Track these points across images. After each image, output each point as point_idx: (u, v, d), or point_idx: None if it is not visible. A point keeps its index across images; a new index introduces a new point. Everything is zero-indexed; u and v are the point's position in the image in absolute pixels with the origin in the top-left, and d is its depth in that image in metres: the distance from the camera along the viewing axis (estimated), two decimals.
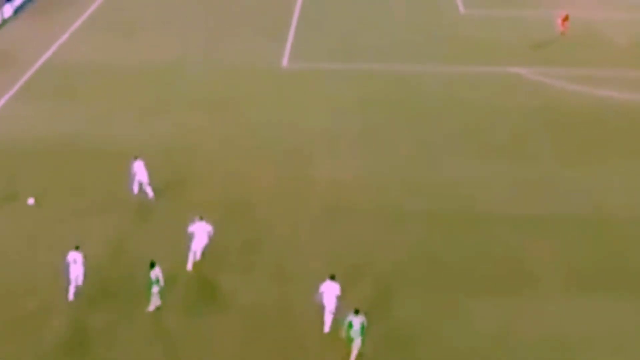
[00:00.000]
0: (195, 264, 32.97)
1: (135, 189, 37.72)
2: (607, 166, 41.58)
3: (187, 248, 32.94)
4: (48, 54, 55.22)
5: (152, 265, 30.42)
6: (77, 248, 31.58)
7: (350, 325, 28.35)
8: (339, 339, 28.81)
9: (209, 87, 50.38)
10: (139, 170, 37.31)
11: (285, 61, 54.65)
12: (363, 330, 28.45)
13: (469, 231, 35.83)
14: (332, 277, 29.50)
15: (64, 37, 58.13)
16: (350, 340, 28.50)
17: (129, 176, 37.75)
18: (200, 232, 32.76)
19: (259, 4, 65.29)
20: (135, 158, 37.65)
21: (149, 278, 30.42)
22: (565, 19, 59.07)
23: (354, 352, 28.54)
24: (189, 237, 32.91)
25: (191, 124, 45.62)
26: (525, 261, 33.93)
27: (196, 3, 65.71)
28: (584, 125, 45.80)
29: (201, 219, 33.09)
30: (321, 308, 29.73)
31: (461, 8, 64.49)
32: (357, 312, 28.41)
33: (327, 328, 29.57)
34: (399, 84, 51.07)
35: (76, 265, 31.14)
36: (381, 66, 53.60)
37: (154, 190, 37.77)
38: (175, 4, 65.43)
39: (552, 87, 50.08)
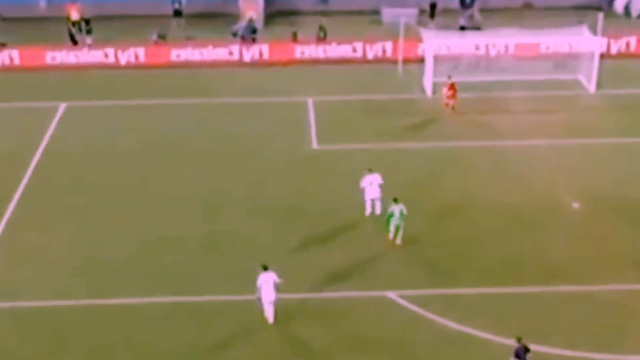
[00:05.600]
0: None
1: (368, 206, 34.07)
2: None
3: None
4: None
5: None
6: None
7: (391, 214, 31.75)
8: None
9: None
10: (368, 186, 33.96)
11: None
12: (402, 216, 31.55)
13: None
14: (265, 268, 28.23)
15: None
16: (388, 229, 31.84)
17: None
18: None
19: None
20: (370, 171, 34.00)
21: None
22: (451, 88, 42.67)
23: (399, 234, 31.83)
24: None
25: None
26: None
27: None
28: None
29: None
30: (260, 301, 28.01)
31: (315, 144, 39.60)
32: (396, 200, 31.81)
33: (271, 319, 28.36)
34: None
35: None
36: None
37: None
38: None
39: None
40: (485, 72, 45.24)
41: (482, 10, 53.17)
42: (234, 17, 52.67)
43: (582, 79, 45.44)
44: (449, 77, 42.75)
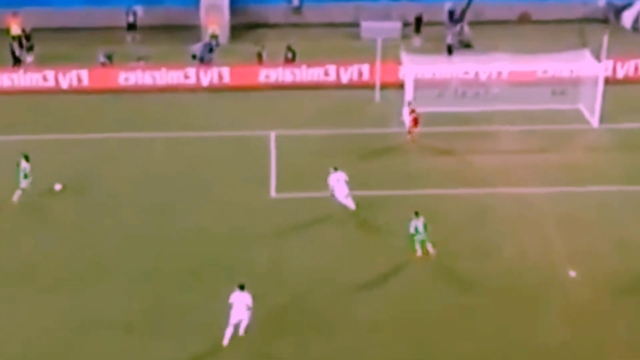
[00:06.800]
0: None
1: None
2: None
3: None
4: None
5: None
6: None
7: (416, 231, 30.22)
8: None
9: None
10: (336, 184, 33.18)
11: None
12: (426, 228, 29.92)
13: None
14: (242, 287, 26.63)
15: None
16: (416, 244, 30.15)
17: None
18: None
19: None
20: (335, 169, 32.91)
21: None
22: (412, 112, 37.82)
23: (429, 247, 30.22)
24: None
25: None
26: None
27: None
28: None
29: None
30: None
31: (273, 192, 34.06)
32: (417, 214, 30.11)
33: (226, 341, 26.39)
34: None
35: None
36: None
37: None
38: None
39: None
40: (473, 101, 39.97)
41: (475, 23, 47.63)
42: (196, 30, 47.32)
43: (584, 110, 39.93)
44: (409, 103, 37.74)
